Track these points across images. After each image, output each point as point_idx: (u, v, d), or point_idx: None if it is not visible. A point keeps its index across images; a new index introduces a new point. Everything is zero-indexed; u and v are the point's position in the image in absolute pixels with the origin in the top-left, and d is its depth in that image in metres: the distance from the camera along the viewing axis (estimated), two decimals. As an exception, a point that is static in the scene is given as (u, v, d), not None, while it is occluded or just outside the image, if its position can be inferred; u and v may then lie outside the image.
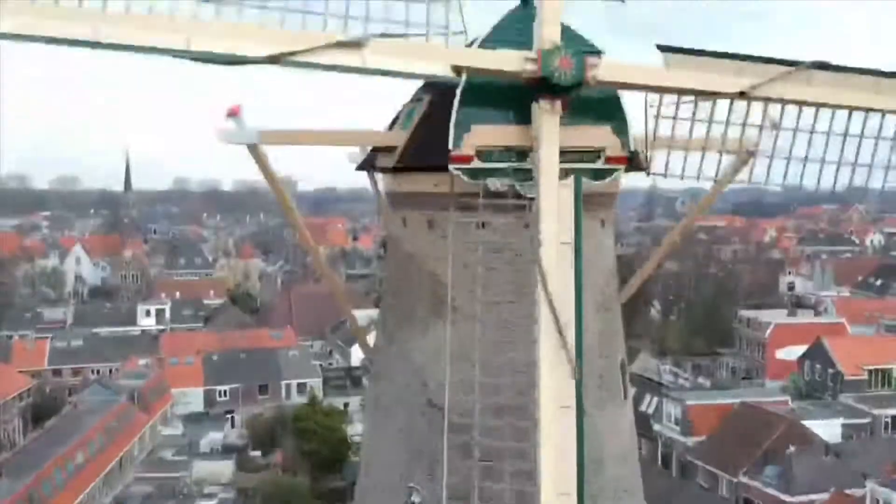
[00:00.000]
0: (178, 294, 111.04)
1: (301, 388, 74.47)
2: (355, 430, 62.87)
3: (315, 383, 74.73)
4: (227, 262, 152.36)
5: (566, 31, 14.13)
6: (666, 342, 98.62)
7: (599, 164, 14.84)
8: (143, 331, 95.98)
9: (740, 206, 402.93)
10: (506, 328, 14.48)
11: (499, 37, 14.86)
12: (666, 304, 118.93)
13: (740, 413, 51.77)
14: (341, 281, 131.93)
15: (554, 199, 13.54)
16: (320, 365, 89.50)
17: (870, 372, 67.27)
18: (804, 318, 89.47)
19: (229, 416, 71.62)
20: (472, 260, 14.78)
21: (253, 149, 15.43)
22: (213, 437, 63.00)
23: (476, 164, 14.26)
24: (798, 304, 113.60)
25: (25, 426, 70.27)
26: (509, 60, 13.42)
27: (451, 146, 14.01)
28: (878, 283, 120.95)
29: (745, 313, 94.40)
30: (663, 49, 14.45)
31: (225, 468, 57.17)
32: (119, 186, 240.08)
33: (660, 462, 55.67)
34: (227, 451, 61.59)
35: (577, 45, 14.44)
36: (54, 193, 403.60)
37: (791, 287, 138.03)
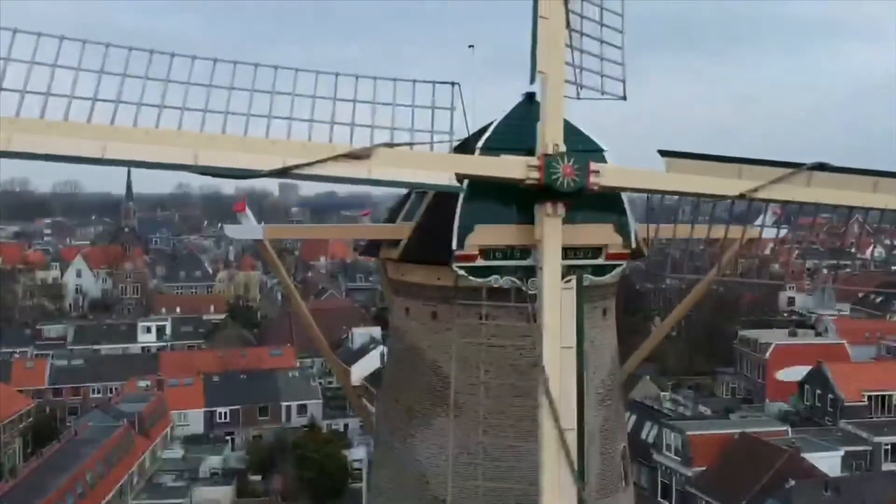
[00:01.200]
0: (178, 309, 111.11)
1: (301, 409, 74.53)
2: (355, 455, 63.03)
3: (315, 405, 74.80)
4: (227, 274, 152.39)
5: (568, 128, 14.28)
6: (667, 361, 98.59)
7: (601, 261, 15.02)
8: (143, 348, 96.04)
9: (739, 216, 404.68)
10: (509, 425, 14.63)
11: (503, 133, 15.03)
12: (668, 261, 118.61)
13: (740, 444, 51.81)
14: (341, 296, 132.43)
15: (556, 301, 13.67)
16: (320, 384, 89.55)
17: (870, 398, 67.27)
18: (804, 338, 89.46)
19: (229, 437, 71.65)
20: (475, 354, 14.94)
21: (259, 242, 15.67)
22: (212, 461, 63.03)
23: (479, 262, 14.42)
24: (798, 323, 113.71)
25: (25, 447, 70.25)
26: (513, 167, 13.57)
27: (454, 246, 14.16)
28: (879, 300, 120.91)
29: (746, 333, 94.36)
30: (665, 154, 14.61)
31: (224, 494, 57.24)
32: (120, 189, 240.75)
33: (660, 492, 55.76)
34: (226, 475, 61.62)
35: (580, 144, 14.63)
36: (56, 199, 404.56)
37: (791, 302, 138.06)
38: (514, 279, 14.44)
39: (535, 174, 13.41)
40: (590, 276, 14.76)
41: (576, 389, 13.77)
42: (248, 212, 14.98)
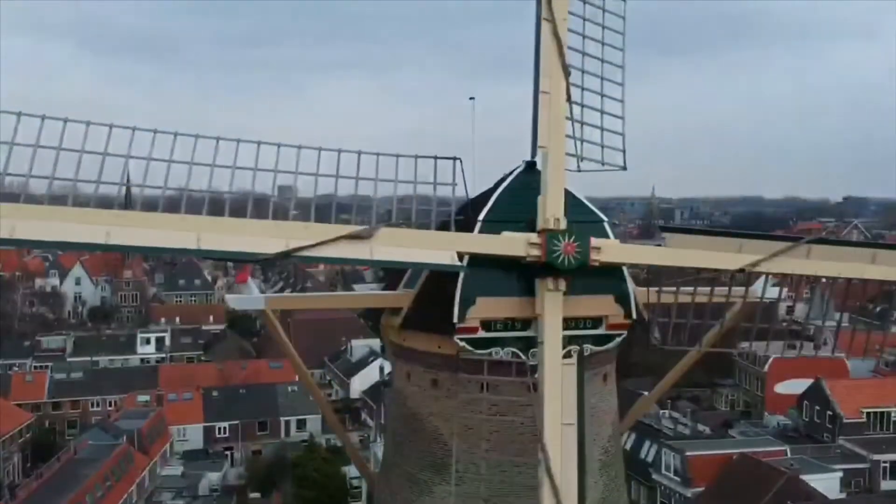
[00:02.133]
0: (177, 319, 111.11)
1: (300, 424, 74.55)
2: (354, 472, 63.02)
3: (314, 420, 74.75)
4: (226, 282, 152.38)
5: (569, 199, 14.34)
6: (664, 372, 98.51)
7: (601, 331, 15.09)
8: (142, 359, 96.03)
9: (738, 218, 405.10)
10: (512, 497, 14.69)
11: (504, 204, 15.08)
12: (664, 330, 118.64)
13: (739, 465, 51.84)
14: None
15: (557, 378, 13.74)
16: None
17: (868, 414, 67.32)
18: (803, 351, 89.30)
19: (228, 452, 71.68)
20: (477, 424, 14.99)
21: (261, 312, 15.73)
22: (212, 478, 63.02)
23: (481, 334, 14.49)
24: (797, 334, 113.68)
25: (25, 462, 70.27)
26: (514, 245, 13.65)
27: (456, 319, 14.22)
28: (878, 309, 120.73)
29: (745, 345, 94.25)
30: (665, 230, 14.72)
31: (224, 512, 57.31)
32: (116, 190, 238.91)
33: (658, 512, 55.82)
34: (226, 492, 61.62)
35: (580, 215, 14.71)
36: (54, 202, 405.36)
37: (790, 311, 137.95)
38: (515, 350, 14.51)
39: (537, 251, 13.51)
40: (591, 347, 14.84)
41: (577, 465, 13.88)
42: (251, 281, 15.07)
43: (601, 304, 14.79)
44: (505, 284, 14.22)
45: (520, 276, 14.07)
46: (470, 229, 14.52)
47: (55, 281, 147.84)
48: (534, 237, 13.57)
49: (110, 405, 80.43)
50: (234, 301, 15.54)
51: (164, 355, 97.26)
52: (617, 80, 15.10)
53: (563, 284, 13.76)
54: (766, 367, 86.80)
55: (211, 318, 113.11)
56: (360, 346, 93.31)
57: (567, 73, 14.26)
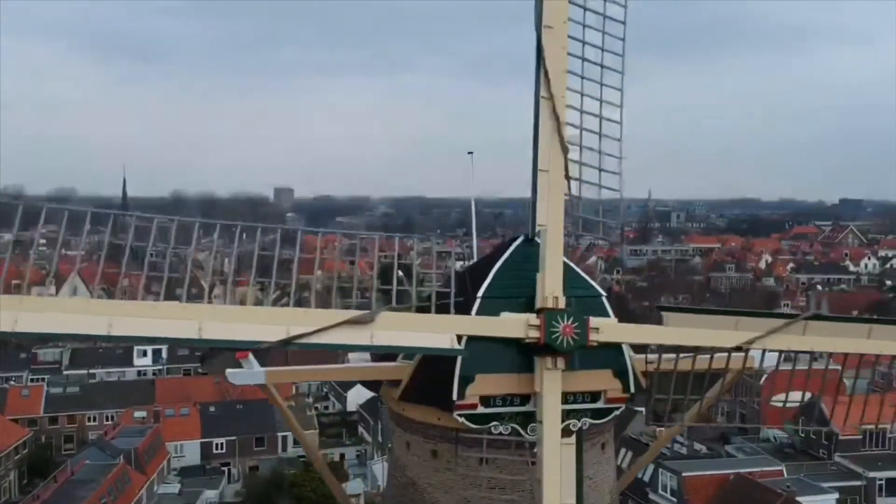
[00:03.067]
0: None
1: (297, 439, 74.47)
2: (352, 489, 63.06)
3: (311, 435, 74.63)
4: (222, 290, 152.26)
5: (567, 273, 14.43)
6: (661, 386, 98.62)
7: (600, 405, 15.18)
8: (139, 372, 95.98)
9: (735, 222, 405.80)
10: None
11: (503, 279, 15.16)
12: (660, 407, 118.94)
13: (736, 486, 52.02)
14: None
15: (556, 456, 13.83)
16: (315, 408, 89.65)
17: (864, 431, 67.45)
18: (799, 364, 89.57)
19: (225, 469, 71.66)
20: (475, 498, 15.09)
21: (262, 386, 15.83)
22: (209, 496, 63.03)
23: (480, 410, 14.57)
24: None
25: (21, 479, 70.20)
26: (513, 327, 13.75)
27: (455, 397, 14.30)
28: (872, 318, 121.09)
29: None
30: (663, 309, 14.83)
31: (222, 532, 57.32)
32: (115, 191, 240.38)
33: (655, 533, 55.90)
34: (223, 510, 61.76)
35: (579, 289, 14.81)
36: (51, 206, 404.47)
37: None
38: (514, 425, 14.60)
39: (536, 333, 13.62)
40: (589, 420, 14.94)
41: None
42: (251, 357, 15.15)
43: (600, 379, 14.87)
44: (504, 361, 14.31)
45: (519, 352, 14.16)
46: (469, 304, 14.63)
47: (51, 290, 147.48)
48: (533, 318, 13.67)
49: (107, 419, 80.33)
50: (234, 377, 15.63)
51: (160, 367, 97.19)
52: (616, 153, 15.18)
53: (561, 363, 13.87)
54: (762, 380, 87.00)
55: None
56: (356, 357, 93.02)
57: (566, 151, 14.39)
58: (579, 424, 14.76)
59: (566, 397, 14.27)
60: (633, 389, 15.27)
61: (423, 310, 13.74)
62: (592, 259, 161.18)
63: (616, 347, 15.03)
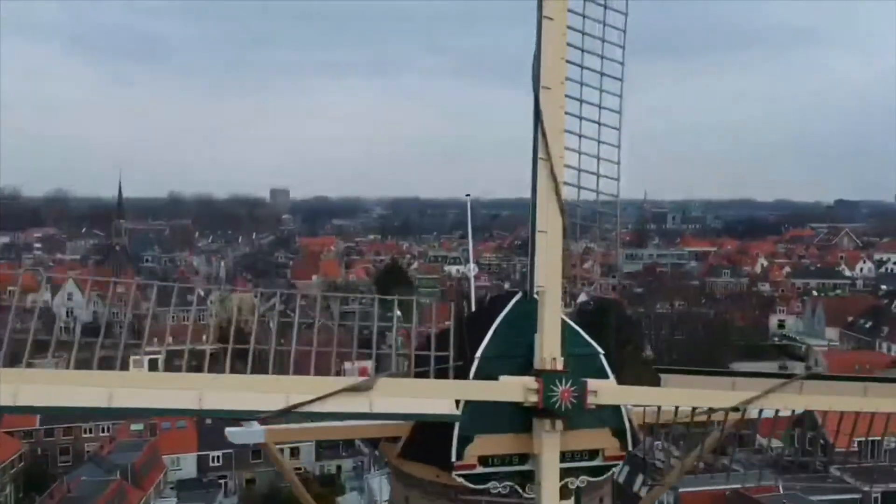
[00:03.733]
0: (170, 339, 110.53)
1: (294, 451, 74.45)
2: (347, 502, 63.21)
3: (307, 447, 74.74)
4: (219, 296, 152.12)
5: (565, 331, 14.50)
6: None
7: (598, 462, 15.26)
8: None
9: (731, 223, 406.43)
10: None
11: (501, 338, 15.23)
12: (658, 348, 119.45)
13: (732, 502, 52.24)
14: (334, 324, 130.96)
15: (555, 517, 13.93)
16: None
17: (860, 443, 67.53)
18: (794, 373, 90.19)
19: (222, 481, 71.63)
20: (475, 555, 15.16)
21: (262, 444, 15.89)
22: (206, 510, 63.13)
23: (478, 469, 14.65)
24: (788, 351, 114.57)
25: (17, 493, 70.08)
26: (512, 391, 13.81)
27: (454, 458, 14.37)
28: (868, 325, 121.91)
29: (738, 367, 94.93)
30: (661, 370, 14.93)
31: (219, 547, 57.34)
32: (110, 192, 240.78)
33: (651, 549, 55.97)
34: (220, 525, 61.78)
35: (577, 346, 14.88)
36: (47, 207, 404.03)
37: (782, 325, 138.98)
38: (512, 484, 14.67)
39: (534, 397, 13.69)
40: (587, 478, 15.03)
41: None
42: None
43: (598, 438, 14.96)
44: (503, 421, 14.37)
45: (517, 412, 14.24)
46: (467, 364, 14.69)
47: (46, 296, 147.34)
48: (531, 382, 13.74)
49: (104, 431, 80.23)
50: (234, 435, 15.70)
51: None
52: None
53: (560, 425, 13.95)
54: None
55: (204, 337, 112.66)
56: (352, 369, 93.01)
57: (564, 212, 14.47)
58: (577, 483, 14.85)
59: (564, 455, 14.36)
60: (630, 447, 15.37)
61: (421, 374, 13.79)
62: (589, 263, 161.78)
63: (615, 408, 15.12)
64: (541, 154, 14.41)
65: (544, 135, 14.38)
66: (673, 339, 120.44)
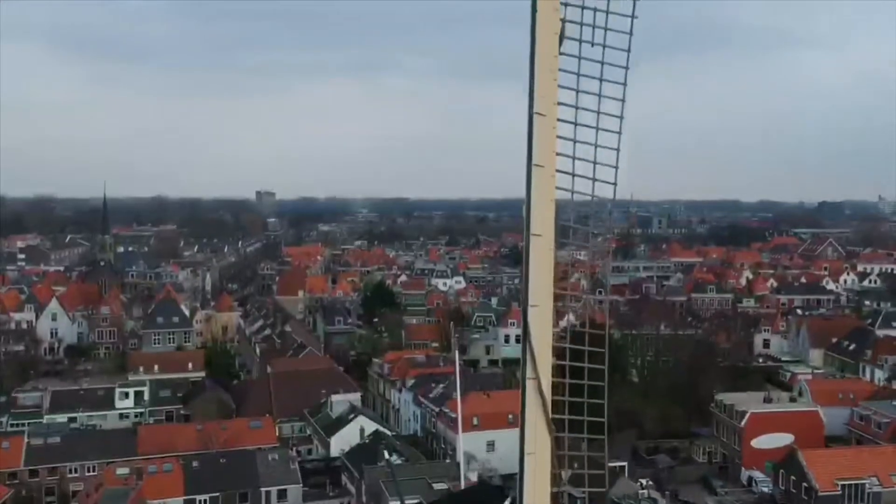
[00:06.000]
0: (156, 367, 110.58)
1: (281, 494, 74.35)
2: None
3: (295, 490, 74.62)
4: (204, 315, 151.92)
5: None
6: (645, 423, 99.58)
7: None
8: (121, 415, 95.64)
9: (716, 228, 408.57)
10: None
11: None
12: (642, 373, 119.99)
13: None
14: (320, 345, 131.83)
15: None
16: (298, 451, 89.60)
17: (844, 486, 68.37)
18: (779, 405, 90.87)
19: (209, 526, 71.41)
20: None
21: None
22: (192, 560, 62.90)
23: None
24: (772, 381, 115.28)
25: (2, 539, 69.70)
26: None
27: None
28: (852, 347, 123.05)
29: (723, 397, 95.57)
30: None
31: None
32: (93, 193, 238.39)
33: None
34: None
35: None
36: (31, 211, 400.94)
37: (766, 345, 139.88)
38: None
39: None
40: None
41: None
42: None
43: None
44: None
45: None
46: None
47: (31, 315, 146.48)
48: None
49: (89, 470, 79.98)
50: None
51: (142, 410, 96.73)
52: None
53: None
54: (743, 422, 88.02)
55: (190, 364, 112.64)
56: (339, 401, 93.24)
57: (553, 432, 14.50)
58: None
59: None
60: None
61: None
62: (577, 277, 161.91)
63: None
64: (529, 374, 14.46)
65: (532, 354, 14.42)
66: (657, 364, 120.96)
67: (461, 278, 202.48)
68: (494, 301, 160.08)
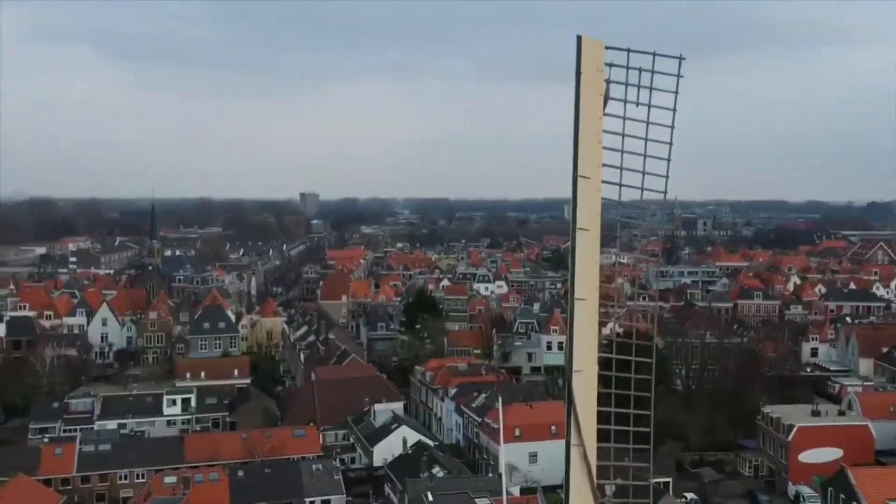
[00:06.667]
0: (202, 374, 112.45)
1: (312, 504, 75.18)
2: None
3: (338, 500, 75.39)
4: (249, 321, 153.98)
5: None
6: (690, 435, 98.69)
7: None
8: (168, 422, 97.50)
9: (762, 231, 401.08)
10: None
11: None
12: (686, 383, 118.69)
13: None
14: (363, 351, 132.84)
15: None
16: (342, 459, 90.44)
17: (894, 506, 66.87)
18: (827, 419, 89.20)
19: (254, 536, 72.42)
20: None
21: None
22: (238, 569, 63.86)
23: None
24: (821, 392, 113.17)
25: (56, 544, 71.46)
26: None
27: None
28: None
29: (770, 409, 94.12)
30: None
31: None
32: (140, 193, 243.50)
33: None
34: (252, 586, 62.46)
35: None
36: (80, 216, 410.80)
37: (815, 353, 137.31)
38: None
39: None
40: None
41: None
42: None
43: None
44: None
45: None
46: None
47: (82, 320, 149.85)
48: None
49: (138, 477, 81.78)
50: None
51: (189, 416, 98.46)
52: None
53: None
54: (790, 436, 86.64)
55: (235, 371, 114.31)
56: (382, 410, 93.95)
57: (598, 498, 14.61)
58: None
59: None
60: None
61: None
62: (620, 281, 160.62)
63: None
64: (573, 440, 14.57)
65: (577, 421, 14.54)
66: (703, 373, 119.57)
67: (503, 282, 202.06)
68: (536, 307, 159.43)
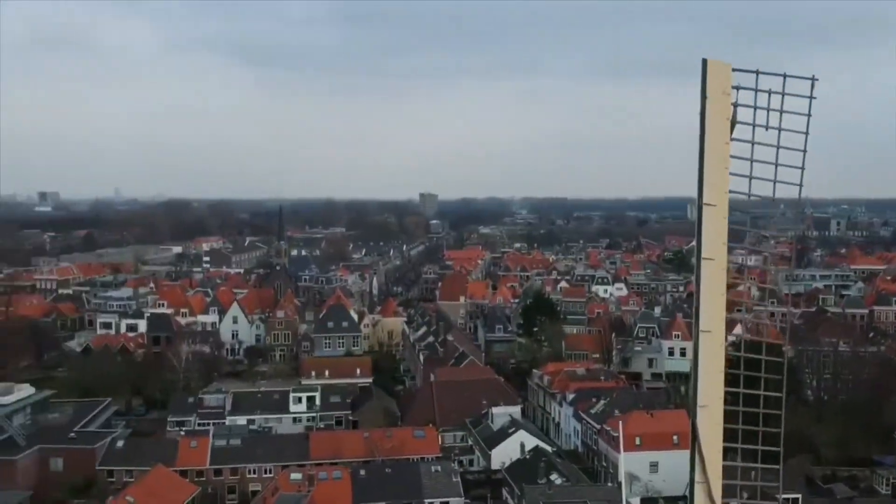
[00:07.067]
0: (326, 372, 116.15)
1: (433, 504, 76.24)
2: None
3: (457, 502, 76.32)
4: (371, 320, 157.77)
5: None
6: (820, 448, 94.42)
7: None
8: (294, 419, 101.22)
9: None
10: None
11: None
12: (818, 393, 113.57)
13: None
14: (481, 353, 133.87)
15: None
16: (460, 461, 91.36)
17: None
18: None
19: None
20: None
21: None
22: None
23: None
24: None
25: (192, 530, 75.52)
26: None
27: None
28: None
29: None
30: None
31: None
32: (267, 194, 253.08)
33: None
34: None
35: None
36: (212, 216, 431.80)
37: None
38: None
39: None
40: None
41: None
42: None
43: None
44: None
45: None
46: None
47: (215, 318, 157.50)
48: None
49: (266, 472, 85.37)
50: None
51: (314, 414, 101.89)
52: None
53: None
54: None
55: (358, 370, 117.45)
56: (500, 413, 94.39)
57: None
58: None
59: None
60: None
61: None
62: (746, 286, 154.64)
63: None
64: (698, 478, 14.41)
65: (702, 456, 14.41)
66: (835, 383, 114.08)
67: (622, 285, 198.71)
68: (658, 310, 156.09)
